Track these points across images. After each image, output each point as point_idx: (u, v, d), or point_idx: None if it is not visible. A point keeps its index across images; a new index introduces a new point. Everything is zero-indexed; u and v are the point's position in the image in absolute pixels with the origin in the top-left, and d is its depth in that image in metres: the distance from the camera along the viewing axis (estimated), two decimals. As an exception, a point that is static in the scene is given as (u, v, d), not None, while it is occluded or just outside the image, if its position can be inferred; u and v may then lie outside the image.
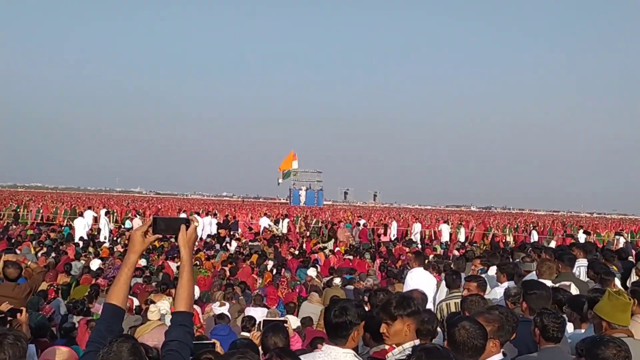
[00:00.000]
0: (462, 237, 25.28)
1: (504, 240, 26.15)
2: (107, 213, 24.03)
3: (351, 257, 15.51)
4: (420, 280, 7.07)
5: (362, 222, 26.28)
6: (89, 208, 25.20)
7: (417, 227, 26.18)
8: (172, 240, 15.22)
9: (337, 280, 10.25)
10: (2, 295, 5.11)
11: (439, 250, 19.48)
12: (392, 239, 24.12)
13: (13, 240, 15.75)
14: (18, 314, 4.07)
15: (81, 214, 21.19)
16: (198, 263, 12.54)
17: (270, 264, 13.63)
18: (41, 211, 28.35)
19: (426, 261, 8.52)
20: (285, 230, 24.74)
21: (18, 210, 28.73)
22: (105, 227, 20.55)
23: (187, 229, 2.33)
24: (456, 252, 17.49)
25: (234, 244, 18.47)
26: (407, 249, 19.10)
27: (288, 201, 74.45)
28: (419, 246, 20.75)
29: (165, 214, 29.81)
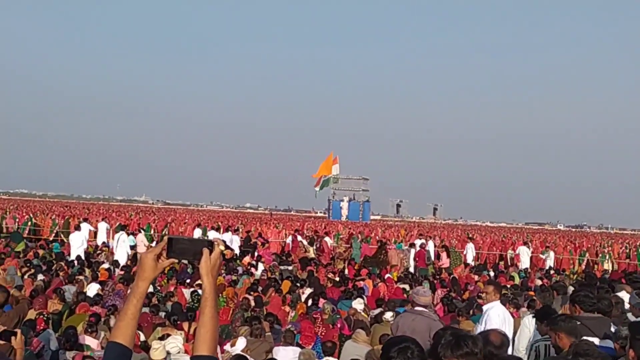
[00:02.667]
0: (550, 263, 24.92)
1: (601, 269, 25.62)
2: (122, 227, 24.01)
3: (406, 287, 15.40)
4: (496, 316, 7.00)
5: (418, 242, 26.11)
6: (85, 220, 25.69)
7: (469, 249, 26.05)
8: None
9: (388, 315, 10.17)
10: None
11: (517, 280, 19.21)
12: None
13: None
14: (12, 337, 4.14)
15: (77, 228, 21.49)
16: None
17: (305, 292, 13.62)
18: (28, 223, 29.06)
19: (502, 293, 8.42)
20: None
21: (0, 221, 29.52)
22: (123, 246, 20.37)
23: (210, 254, 2.22)
24: (538, 282, 17.22)
25: (260, 267, 18.55)
26: (477, 277, 18.89)
27: (326, 215, 74.37)
28: (491, 274, 20.48)
29: (176, 230, 30.06)
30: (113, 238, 26.06)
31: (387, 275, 18.40)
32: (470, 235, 36.35)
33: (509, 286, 15.77)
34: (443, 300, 13.65)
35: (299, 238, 25.63)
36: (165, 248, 2.23)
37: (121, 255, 19.47)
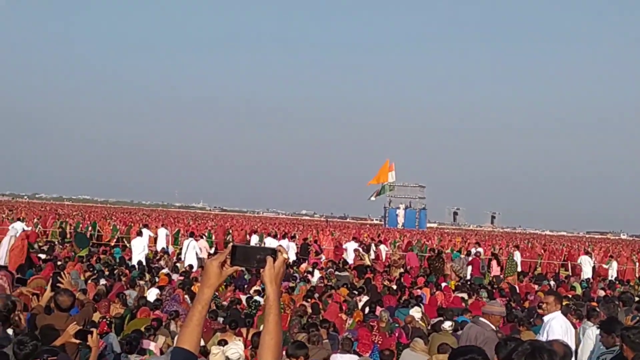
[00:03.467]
0: (612, 273, 24.26)
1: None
2: (192, 234, 24.43)
3: (464, 295, 15.21)
4: (558, 327, 6.85)
5: (474, 250, 25.74)
6: (146, 226, 26.21)
7: (516, 257, 25.61)
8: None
9: (447, 324, 10.06)
10: (55, 327, 5.37)
11: (579, 290, 18.77)
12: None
13: (59, 263, 16.59)
14: (89, 336, 4.25)
15: (138, 233, 21.97)
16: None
17: (362, 300, 13.59)
18: (89, 228, 29.83)
19: (564, 303, 8.23)
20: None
21: (64, 226, 30.36)
22: (193, 252, 20.63)
23: (274, 262, 2.25)
24: (601, 292, 16.79)
25: (317, 274, 18.60)
26: (537, 287, 18.54)
27: (382, 222, 74.08)
28: (552, 283, 20.06)
29: (237, 238, 30.30)
30: (172, 244, 26.60)
31: (444, 284, 18.20)
32: (516, 244, 35.64)
33: (570, 296, 15.41)
34: (502, 309, 13.41)
35: (356, 245, 25.56)
36: (230, 256, 2.26)
37: (191, 261, 19.88)
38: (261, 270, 2.26)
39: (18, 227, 24.80)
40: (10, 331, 5.25)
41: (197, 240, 22.11)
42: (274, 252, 2.26)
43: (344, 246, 27.44)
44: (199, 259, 20.27)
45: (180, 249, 25.60)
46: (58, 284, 6.16)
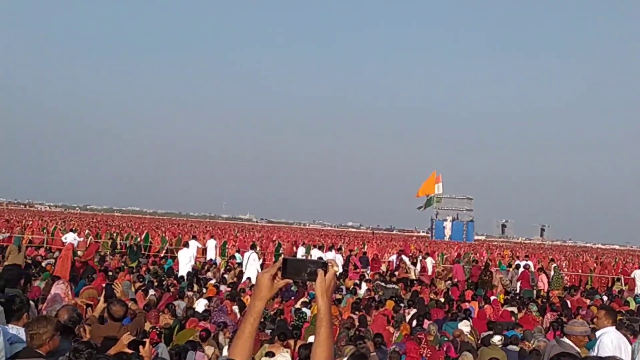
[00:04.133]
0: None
1: None
2: (253, 247, 24.80)
3: (514, 309, 14.98)
4: (609, 342, 6.70)
5: (523, 263, 25.31)
6: (194, 237, 26.51)
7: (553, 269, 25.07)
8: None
9: (496, 338, 9.92)
10: (108, 336, 5.48)
11: (633, 305, 18.31)
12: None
13: (110, 273, 16.92)
14: (140, 346, 4.33)
15: (185, 245, 22.24)
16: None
17: (409, 313, 13.50)
18: (138, 239, 30.32)
19: (618, 319, 8.04)
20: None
21: (115, 237, 30.93)
22: (254, 264, 20.91)
23: (325, 274, 2.25)
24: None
25: (364, 286, 18.55)
26: (589, 301, 18.14)
27: (429, 234, 73.50)
28: (604, 298, 19.60)
29: (288, 250, 30.42)
30: (220, 255, 26.86)
31: (492, 297, 17.95)
32: (551, 257, 34.83)
33: (624, 311, 15.03)
34: (553, 324, 13.17)
35: (403, 258, 25.40)
36: (281, 268, 2.28)
37: (252, 274, 20.14)
38: (312, 283, 2.27)
39: (70, 237, 25.42)
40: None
41: (257, 253, 22.49)
42: (324, 265, 2.27)
43: (389, 258, 27.32)
44: (258, 272, 20.49)
45: (227, 260, 25.84)
46: (111, 294, 6.28)
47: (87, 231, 34.21)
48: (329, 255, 24.93)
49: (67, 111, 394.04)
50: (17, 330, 4.89)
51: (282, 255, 27.66)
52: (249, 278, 18.90)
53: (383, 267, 25.53)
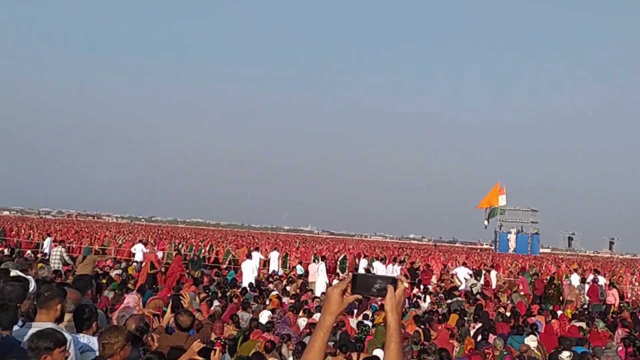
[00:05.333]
0: None
1: None
2: (322, 258, 25.09)
3: (582, 325, 14.57)
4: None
5: (591, 277, 24.62)
6: (257, 249, 26.77)
7: (601, 281, 24.22)
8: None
9: (565, 354, 9.69)
10: (175, 346, 5.57)
11: None
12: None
13: (173, 286, 17.19)
14: (212, 353, 4.38)
15: (248, 256, 22.50)
16: (383, 322, 12.62)
17: (474, 327, 13.30)
18: (202, 251, 30.78)
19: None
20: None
21: (180, 248, 31.48)
22: (322, 276, 21.16)
23: (394, 290, 2.27)
24: None
25: (427, 299, 18.37)
26: (662, 317, 17.51)
27: (493, 247, 72.29)
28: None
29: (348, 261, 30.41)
30: (282, 266, 27.04)
31: (559, 312, 17.51)
32: (596, 268, 33.60)
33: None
34: (624, 341, 12.73)
35: (466, 271, 25.06)
36: (350, 284, 2.28)
37: (321, 285, 20.46)
38: (382, 299, 2.27)
39: (138, 248, 26.05)
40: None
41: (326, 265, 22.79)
42: (394, 281, 2.28)
43: (452, 271, 26.98)
44: (327, 283, 20.78)
45: (290, 272, 25.97)
46: (178, 305, 6.39)
47: (152, 242, 34.97)
48: (390, 268, 24.85)
49: (133, 128, 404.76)
50: (88, 339, 5.02)
51: (346, 267, 27.70)
52: (311, 290, 19.01)
53: (433, 279, 25.19)
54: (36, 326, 4.80)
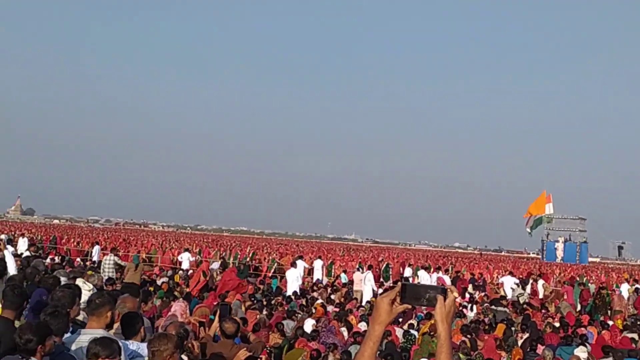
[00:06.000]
0: None
1: None
2: (370, 267, 25.25)
3: (634, 336, 14.20)
4: None
5: (636, 287, 24.03)
6: (300, 257, 26.81)
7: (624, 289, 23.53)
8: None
9: (616, 366, 9.45)
10: (219, 353, 5.61)
11: None
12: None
13: (219, 294, 17.31)
14: None
15: (293, 264, 22.56)
16: (429, 331, 12.52)
17: (521, 337, 13.09)
18: (247, 259, 30.98)
19: None
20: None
21: (225, 257, 31.75)
22: (369, 285, 21.26)
23: (444, 300, 2.24)
24: None
25: (474, 308, 18.16)
26: None
27: (540, 255, 71.04)
28: None
29: (395, 270, 30.29)
30: (327, 275, 27.04)
31: (610, 322, 17.12)
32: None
33: None
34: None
35: (512, 280, 24.71)
36: (400, 293, 2.27)
37: (368, 293, 20.61)
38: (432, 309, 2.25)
39: (185, 257, 26.38)
40: (185, 358, 5.54)
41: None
42: (444, 291, 2.26)
43: (500, 280, 26.65)
44: (374, 291, 20.84)
45: (334, 280, 25.95)
46: (225, 314, 6.43)
47: (198, 249, 35.36)
48: (434, 277, 24.67)
49: (182, 137, 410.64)
50: (137, 345, 5.10)
51: (390, 276, 27.57)
52: (356, 299, 18.99)
53: (470, 289, 24.85)
54: (86, 333, 4.90)
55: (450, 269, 32.83)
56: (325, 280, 25.44)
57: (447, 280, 24.58)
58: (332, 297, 19.37)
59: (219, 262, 26.37)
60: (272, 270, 28.38)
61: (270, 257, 32.48)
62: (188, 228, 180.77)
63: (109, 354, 4.16)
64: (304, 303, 16.72)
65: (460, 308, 18.11)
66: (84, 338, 4.80)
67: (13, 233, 41.88)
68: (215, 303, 13.06)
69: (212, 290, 17.91)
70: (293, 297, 18.02)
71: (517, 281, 25.11)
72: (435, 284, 17.34)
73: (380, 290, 21.45)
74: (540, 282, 25.80)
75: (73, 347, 4.80)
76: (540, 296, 23.99)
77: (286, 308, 15.02)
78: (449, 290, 2.27)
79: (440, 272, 26.36)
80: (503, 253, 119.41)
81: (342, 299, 19.02)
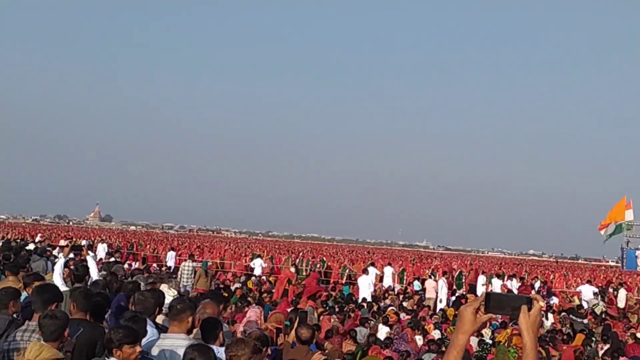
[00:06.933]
0: None
1: None
2: (444, 274, 25.26)
3: None
4: None
5: None
6: (372, 264, 26.74)
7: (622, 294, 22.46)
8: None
9: None
10: (295, 358, 5.67)
11: None
12: None
13: (293, 299, 17.46)
14: None
15: (364, 271, 22.54)
16: (504, 341, 12.30)
17: (602, 348, 12.73)
18: (317, 265, 31.08)
19: None
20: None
21: (298, 264, 31.98)
22: (443, 292, 21.35)
23: (529, 310, 2.21)
24: None
25: (550, 317, 17.75)
26: None
27: (620, 264, 68.74)
28: None
29: (473, 277, 29.87)
30: (399, 282, 26.91)
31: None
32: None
33: None
34: None
35: (591, 289, 24.01)
36: (484, 303, 2.25)
37: (444, 299, 20.62)
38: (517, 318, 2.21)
39: (257, 263, 26.72)
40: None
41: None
42: (529, 301, 2.22)
43: (577, 289, 25.99)
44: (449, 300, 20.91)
45: (406, 287, 25.78)
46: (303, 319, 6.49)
47: (270, 256, 35.73)
48: (508, 284, 24.25)
49: (254, 146, 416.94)
50: (216, 349, 5.21)
51: (463, 284, 27.17)
52: (428, 307, 18.84)
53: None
54: (167, 337, 5.05)
55: (525, 277, 32.12)
56: (397, 288, 25.30)
57: (514, 288, 24.05)
58: (405, 304, 19.26)
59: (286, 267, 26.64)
60: (344, 278, 28.42)
61: (342, 264, 32.52)
62: (260, 234, 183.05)
63: None
64: (377, 310, 16.69)
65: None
66: (166, 342, 4.97)
67: (93, 239, 43.39)
68: (288, 309, 13.18)
69: (285, 297, 18.10)
70: (365, 304, 18.00)
71: (596, 290, 24.39)
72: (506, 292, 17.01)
73: (453, 298, 21.25)
74: (623, 291, 24.96)
75: (155, 351, 4.95)
76: (622, 306, 23.21)
77: (358, 315, 15.02)
78: (534, 299, 2.23)
79: (515, 279, 25.81)
80: (580, 261, 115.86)
81: (415, 307, 18.89)
